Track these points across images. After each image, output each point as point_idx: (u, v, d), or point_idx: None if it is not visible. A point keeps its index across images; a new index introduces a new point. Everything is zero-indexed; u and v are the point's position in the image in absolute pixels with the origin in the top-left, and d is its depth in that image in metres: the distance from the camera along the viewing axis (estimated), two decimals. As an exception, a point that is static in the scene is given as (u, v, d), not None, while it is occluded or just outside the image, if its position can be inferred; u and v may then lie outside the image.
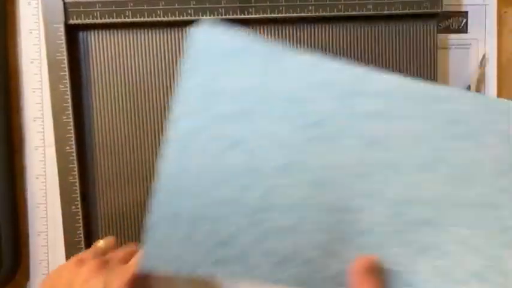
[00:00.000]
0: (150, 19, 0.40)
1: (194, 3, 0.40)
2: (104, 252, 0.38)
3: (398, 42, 0.43)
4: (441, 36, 0.45)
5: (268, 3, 0.41)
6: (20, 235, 0.44)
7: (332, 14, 0.41)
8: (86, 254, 0.37)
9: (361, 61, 0.43)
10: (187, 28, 0.41)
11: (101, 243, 0.39)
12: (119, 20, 0.40)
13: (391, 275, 0.30)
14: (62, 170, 0.41)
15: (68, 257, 0.42)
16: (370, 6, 0.41)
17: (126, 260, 0.36)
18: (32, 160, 0.44)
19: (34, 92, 0.44)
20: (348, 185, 0.30)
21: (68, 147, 0.41)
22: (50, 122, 0.42)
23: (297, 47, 0.42)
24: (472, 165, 0.31)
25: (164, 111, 0.43)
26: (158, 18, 0.40)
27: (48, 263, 0.44)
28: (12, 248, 0.43)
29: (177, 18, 0.40)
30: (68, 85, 0.40)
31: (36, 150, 0.44)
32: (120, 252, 0.37)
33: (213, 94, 0.31)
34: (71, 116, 0.41)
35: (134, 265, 0.35)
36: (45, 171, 0.44)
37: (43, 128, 0.44)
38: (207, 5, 0.40)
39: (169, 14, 0.40)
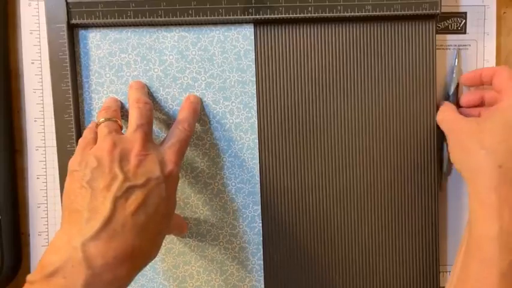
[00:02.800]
0: (151, 19, 0.40)
1: (195, 3, 0.40)
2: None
3: (397, 43, 0.43)
4: (440, 36, 0.45)
5: (267, 4, 0.41)
6: (20, 235, 0.44)
7: (331, 14, 0.41)
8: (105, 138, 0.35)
9: (360, 61, 0.43)
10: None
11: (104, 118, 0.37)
12: (120, 20, 0.40)
13: None
14: (63, 169, 0.41)
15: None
16: (369, 7, 0.41)
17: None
18: (33, 160, 0.44)
19: (35, 92, 0.44)
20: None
21: (69, 146, 0.41)
22: (51, 122, 0.43)
23: (297, 47, 0.43)
24: None
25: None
26: (159, 18, 0.40)
27: (48, 263, 0.44)
28: (13, 248, 0.43)
29: (178, 18, 0.41)
30: (70, 84, 0.41)
31: (37, 151, 0.44)
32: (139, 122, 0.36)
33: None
34: (72, 114, 0.41)
35: (176, 135, 0.37)
36: (45, 172, 0.44)
37: (44, 129, 0.44)
38: (208, 5, 0.41)
39: (171, 15, 0.41)
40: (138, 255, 0.32)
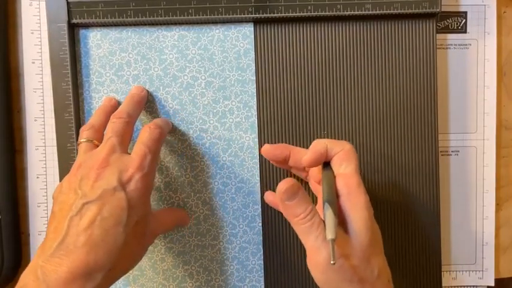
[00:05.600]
0: (151, 18, 0.41)
1: (195, 2, 0.41)
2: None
3: (397, 42, 0.43)
4: (440, 36, 0.45)
5: (267, 3, 0.41)
6: (20, 235, 0.44)
7: (331, 13, 0.41)
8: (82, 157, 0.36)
9: (360, 61, 0.43)
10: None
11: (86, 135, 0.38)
12: (121, 19, 0.40)
13: None
14: (63, 169, 0.41)
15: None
16: (369, 6, 0.41)
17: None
18: (33, 160, 0.44)
19: (35, 92, 0.44)
20: None
21: (69, 145, 0.41)
22: (51, 122, 0.43)
23: (296, 46, 0.43)
24: None
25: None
26: (159, 18, 0.41)
27: (48, 263, 0.44)
28: (13, 247, 0.43)
29: (178, 17, 0.41)
30: (70, 83, 0.41)
31: (37, 150, 0.44)
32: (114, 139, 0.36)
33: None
34: (72, 114, 0.41)
35: (140, 138, 0.37)
36: (45, 171, 0.44)
37: (44, 128, 0.44)
38: (208, 5, 0.41)
39: (171, 14, 0.41)
40: (95, 271, 0.32)
